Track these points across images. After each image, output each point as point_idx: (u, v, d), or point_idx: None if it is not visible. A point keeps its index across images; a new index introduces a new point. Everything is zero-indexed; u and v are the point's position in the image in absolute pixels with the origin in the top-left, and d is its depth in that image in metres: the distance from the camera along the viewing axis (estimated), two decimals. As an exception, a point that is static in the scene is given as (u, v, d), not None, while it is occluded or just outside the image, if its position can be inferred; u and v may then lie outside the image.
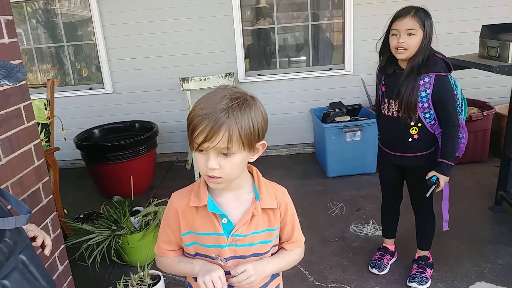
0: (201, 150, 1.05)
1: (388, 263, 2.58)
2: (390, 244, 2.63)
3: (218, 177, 1.06)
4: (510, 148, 2.97)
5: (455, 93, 2.12)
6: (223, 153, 1.03)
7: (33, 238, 1.33)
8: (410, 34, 2.00)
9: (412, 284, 2.38)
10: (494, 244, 2.72)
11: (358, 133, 3.76)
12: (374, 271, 2.55)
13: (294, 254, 1.27)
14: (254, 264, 1.14)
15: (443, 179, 2.13)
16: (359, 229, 3.02)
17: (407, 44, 2.01)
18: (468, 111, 3.92)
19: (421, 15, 2.00)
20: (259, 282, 1.18)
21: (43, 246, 1.33)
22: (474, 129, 3.82)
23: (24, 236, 1.15)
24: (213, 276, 1.09)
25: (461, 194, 3.42)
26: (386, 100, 2.21)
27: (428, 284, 2.39)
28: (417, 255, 2.49)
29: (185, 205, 1.17)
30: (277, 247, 1.26)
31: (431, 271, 2.46)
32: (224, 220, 1.14)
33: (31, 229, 1.33)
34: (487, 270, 2.48)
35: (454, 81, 2.13)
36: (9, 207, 1.16)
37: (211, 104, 1.01)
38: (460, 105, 2.16)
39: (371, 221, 3.11)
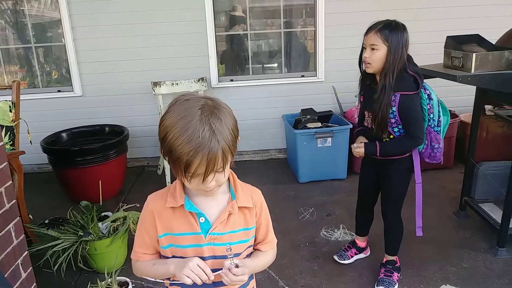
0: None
1: (352, 256, 2.70)
2: (360, 241, 2.74)
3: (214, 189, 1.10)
4: (474, 155, 3.08)
5: (428, 107, 2.19)
6: (219, 171, 1.05)
7: None
8: (373, 49, 2.07)
9: None
10: (458, 248, 2.81)
11: (329, 139, 3.82)
12: (335, 257, 2.70)
13: (269, 255, 1.31)
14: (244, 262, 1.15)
15: (360, 149, 2.24)
16: (330, 234, 3.06)
17: (370, 58, 2.09)
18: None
19: (386, 31, 2.03)
20: (236, 286, 1.18)
21: None
22: (440, 136, 3.94)
23: None
24: (190, 266, 1.08)
25: (427, 199, 3.49)
26: (364, 111, 2.33)
27: (395, 287, 2.44)
28: (384, 259, 2.55)
29: (161, 206, 1.16)
30: (251, 249, 1.28)
31: (398, 275, 2.51)
32: (202, 219, 1.15)
33: None
34: (452, 273, 2.55)
35: (429, 94, 2.20)
36: None
37: (193, 132, 0.98)
38: (435, 117, 2.23)
39: (341, 226, 3.15)
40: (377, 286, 2.45)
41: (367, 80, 2.26)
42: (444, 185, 3.76)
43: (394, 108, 2.11)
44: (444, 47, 2.78)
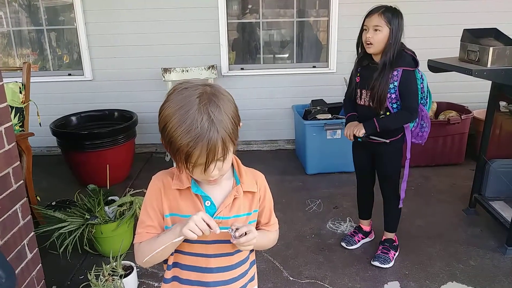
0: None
1: (358, 240, 2.77)
2: (364, 225, 2.81)
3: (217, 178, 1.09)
4: (486, 152, 3.02)
5: (422, 86, 2.33)
6: (220, 160, 1.03)
7: None
8: (376, 30, 2.19)
9: (375, 263, 2.54)
10: (466, 245, 2.77)
11: (339, 131, 3.78)
12: (343, 244, 2.76)
13: (273, 234, 1.31)
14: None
15: (359, 128, 2.33)
16: (336, 227, 3.04)
17: (373, 39, 2.20)
18: (447, 114, 3.99)
19: (388, 14, 2.18)
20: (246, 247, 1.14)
21: None
22: (452, 132, 3.88)
23: None
24: (195, 219, 1.03)
25: (436, 195, 3.47)
26: (359, 90, 2.40)
27: (390, 264, 2.54)
28: (383, 237, 2.67)
29: (168, 186, 1.15)
30: None
31: (395, 253, 2.62)
32: (207, 203, 1.14)
33: None
34: (459, 271, 2.52)
35: (422, 75, 2.33)
36: None
37: (192, 123, 0.96)
38: (425, 97, 2.38)
39: (347, 219, 3.13)
40: (372, 261, 2.56)
41: (364, 61, 2.36)
42: (454, 182, 3.71)
43: (396, 83, 2.24)
44: (461, 40, 2.72)
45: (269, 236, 1.29)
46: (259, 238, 1.17)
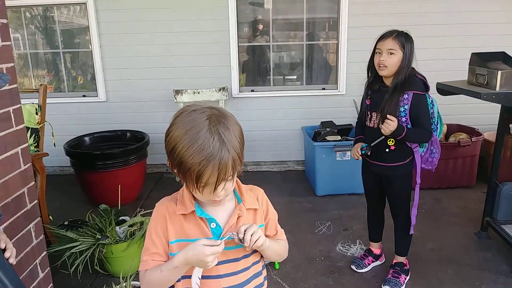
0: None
1: (369, 264, 2.75)
2: (375, 248, 2.79)
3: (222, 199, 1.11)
4: (497, 175, 3.00)
5: (431, 111, 2.34)
6: (229, 179, 1.06)
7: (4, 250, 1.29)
8: (390, 53, 2.22)
9: (385, 287, 2.50)
10: (479, 270, 2.73)
11: (348, 153, 3.79)
12: (353, 267, 2.74)
13: (283, 241, 1.33)
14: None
15: (393, 123, 2.23)
16: (346, 249, 3.02)
17: (387, 62, 2.23)
18: (457, 137, 3.98)
19: (401, 38, 2.22)
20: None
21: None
22: (462, 154, 3.87)
23: None
24: (206, 252, 1.06)
25: (448, 218, 3.44)
26: (369, 112, 2.42)
27: None
28: (394, 261, 2.64)
29: (172, 212, 1.17)
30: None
31: (406, 277, 2.58)
32: (213, 225, 1.16)
33: (3, 239, 1.29)
34: (470, 295, 2.49)
35: (432, 100, 2.35)
36: None
37: (204, 143, 0.99)
38: (435, 123, 2.38)
39: (357, 241, 3.10)
40: (383, 285, 2.53)
41: (375, 84, 2.38)
42: (465, 204, 3.67)
43: (406, 107, 2.26)
44: (469, 64, 2.75)
45: (280, 243, 1.31)
46: (272, 243, 1.21)
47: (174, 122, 1.06)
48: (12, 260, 1.21)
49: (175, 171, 1.08)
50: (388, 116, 2.24)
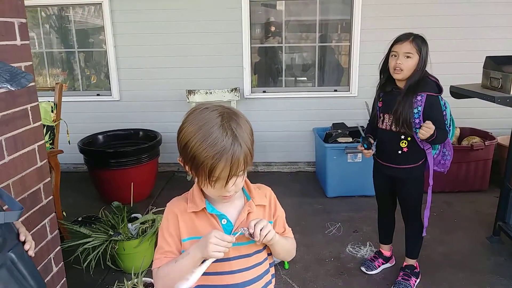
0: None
1: (379, 266, 2.75)
2: (385, 250, 2.79)
3: (232, 194, 1.13)
4: (510, 179, 2.98)
5: (444, 113, 2.32)
6: (240, 174, 1.08)
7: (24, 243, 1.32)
8: (407, 57, 2.21)
9: None
10: (490, 274, 2.71)
11: (360, 155, 3.78)
12: (363, 269, 2.74)
13: (292, 239, 1.35)
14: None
15: (430, 128, 2.17)
16: (356, 251, 3.01)
17: (403, 65, 2.22)
18: (470, 140, 3.95)
19: (418, 41, 2.21)
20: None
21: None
22: (475, 158, 3.83)
23: (15, 235, 1.16)
24: (214, 242, 1.07)
25: (460, 222, 3.42)
26: (381, 114, 2.41)
27: None
28: (404, 263, 2.63)
29: (184, 210, 1.20)
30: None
31: (417, 280, 2.57)
32: (224, 221, 1.18)
33: (22, 231, 1.32)
34: (481, 300, 2.47)
35: (445, 102, 2.34)
36: (5, 207, 1.17)
37: (217, 137, 1.02)
38: (448, 125, 2.36)
39: (368, 243, 3.10)
40: (393, 287, 2.52)
41: (388, 86, 2.37)
42: (478, 209, 3.64)
43: (420, 108, 2.24)
44: (483, 67, 2.73)
45: (289, 240, 1.33)
46: (281, 238, 1.22)
47: (187, 119, 1.09)
48: (31, 253, 1.23)
49: (187, 167, 1.10)
50: (426, 123, 2.18)
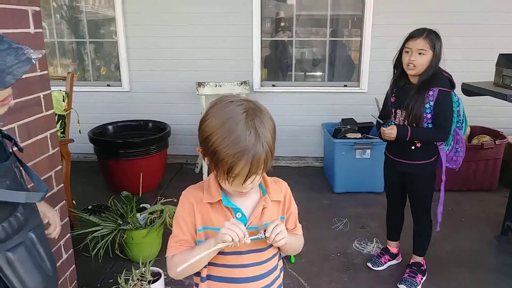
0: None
1: (385, 262, 2.75)
2: (392, 247, 2.78)
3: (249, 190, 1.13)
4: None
5: (457, 110, 2.32)
6: (259, 173, 1.07)
7: (47, 224, 1.35)
8: (420, 53, 2.20)
9: (401, 286, 2.51)
10: (497, 274, 2.70)
11: (368, 151, 3.77)
12: (369, 265, 2.75)
13: (301, 237, 1.36)
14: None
15: (391, 131, 2.29)
16: (362, 247, 3.02)
17: (417, 61, 2.21)
18: (481, 139, 3.92)
19: (432, 37, 2.20)
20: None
21: (47, 226, 1.35)
22: (485, 157, 3.81)
23: (37, 216, 1.18)
24: (227, 225, 1.08)
25: (468, 221, 3.40)
26: (393, 110, 2.41)
27: None
28: (411, 260, 2.63)
29: (199, 200, 1.19)
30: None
31: (423, 278, 2.58)
32: (238, 215, 1.18)
33: (49, 215, 1.36)
34: (488, 299, 2.46)
35: (458, 99, 2.32)
36: (31, 185, 1.19)
37: (239, 135, 1.01)
38: (461, 121, 2.37)
39: (374, 239, 3.10)
40: (399, 284, 2.53)
41: (401, 81, 2.37)
42: (486, 208, 3.62)
43: (431, 103, 2.25)
44: (496, 65, 2.71)
45: (298, 238, 1.34)
46: (291, 238, 1.22)
47: (211, 111, 1.07)
48: (53, 236, 1.32)
49: (207, 159, 1.09)
50: (382, 128, 2.32)
